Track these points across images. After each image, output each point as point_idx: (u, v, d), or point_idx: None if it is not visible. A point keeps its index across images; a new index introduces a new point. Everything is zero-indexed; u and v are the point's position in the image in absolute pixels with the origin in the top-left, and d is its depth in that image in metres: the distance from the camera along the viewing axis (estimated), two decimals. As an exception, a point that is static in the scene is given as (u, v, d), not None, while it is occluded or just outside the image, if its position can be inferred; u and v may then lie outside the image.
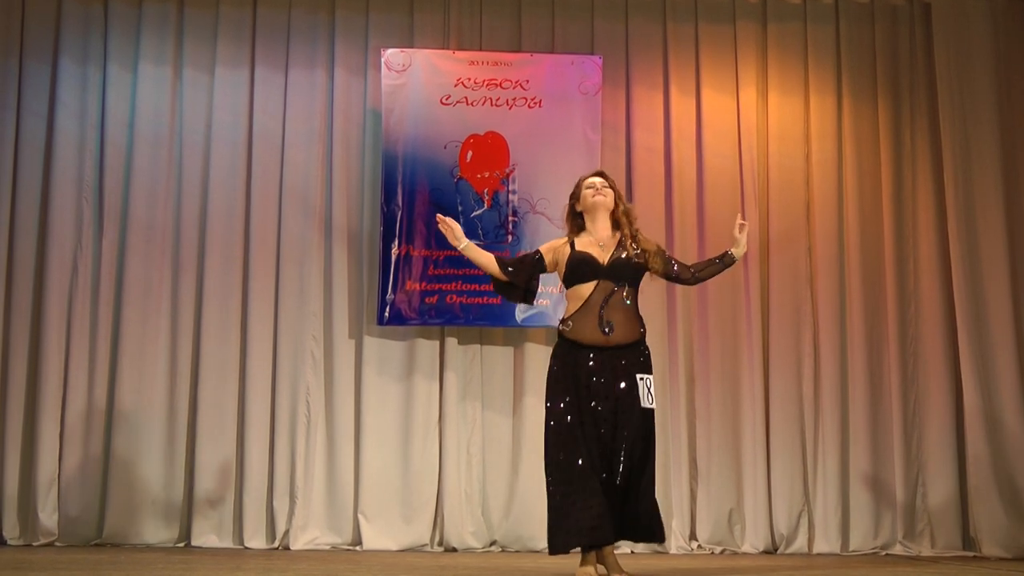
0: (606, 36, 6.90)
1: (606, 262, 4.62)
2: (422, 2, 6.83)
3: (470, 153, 6.60)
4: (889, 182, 6.86)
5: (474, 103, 6.62)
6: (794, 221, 6.84)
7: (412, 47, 6.71)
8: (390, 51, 6.63)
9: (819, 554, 6.46)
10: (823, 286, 6.76)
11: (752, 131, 6.87)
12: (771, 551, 6.52)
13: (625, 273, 4.63)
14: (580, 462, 4.51)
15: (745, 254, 6.61)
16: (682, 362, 6.64)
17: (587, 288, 4.61)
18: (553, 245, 4.81)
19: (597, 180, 4.78)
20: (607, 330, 4.55)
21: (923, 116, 6.93)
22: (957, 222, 6.74)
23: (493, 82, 6.65)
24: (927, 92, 6.94)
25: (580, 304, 4.61)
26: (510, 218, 6.58)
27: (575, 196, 4.82)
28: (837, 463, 6.61)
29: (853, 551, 6.49)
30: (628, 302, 4.62)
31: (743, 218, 5.01)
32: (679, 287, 6.67)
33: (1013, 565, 5.98)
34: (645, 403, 4.55)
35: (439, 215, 4.94)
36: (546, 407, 4.71)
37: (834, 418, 6.64)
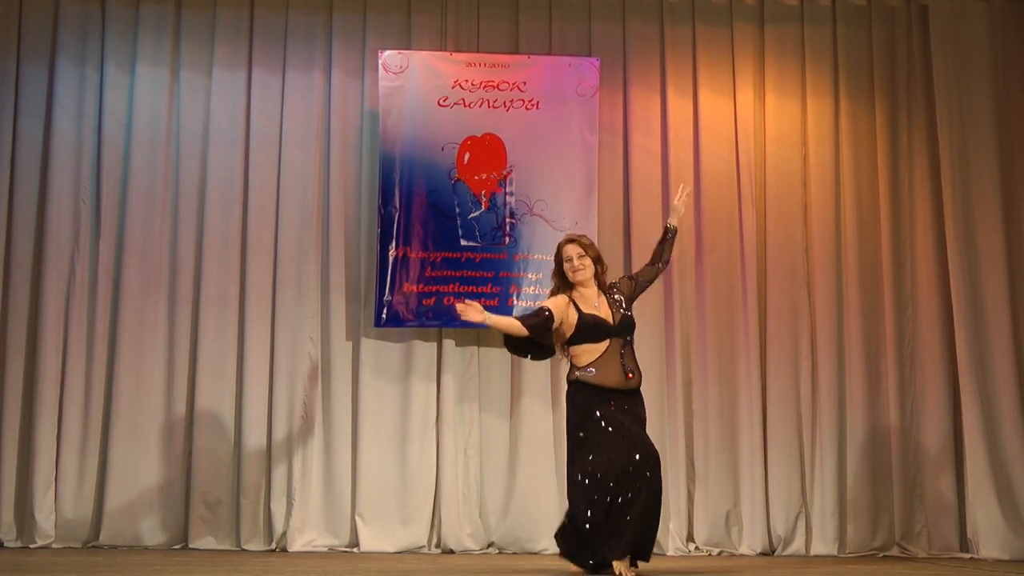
0: (603, 38, 6.90)
1: (615, 323, 5.05)
2: (419, 4, 6.83)
3: (467, 155, 6.60)
4: (886, 184, 6.87)
5: (471, 105, 6.62)
6: (791, 223, 6.84)
7: (409, 49, 6.71)
8: (387, 53, 6.63)
9: (816, 556, 6.46)
10: (820, 288, 6.76)
11: (749, 133, 6.87)
12: (768, 553, 6.52)
13: (629, 328, 5.10)
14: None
15: (743, 256, 6.71)
16: (679, 364, 6.64)
17: (601, 346, 5.02)
18: (558, 305, 5.06)
19: (574, 253, 5.11)
20: (631, 375, 5.01)
21: (920, 118, 6.93)
22: (955, 224, 6.75)
23: (490, 84, 6.65)
24: (924, 94, 6.94)
25: (598, 356, 5.00)
26: (507, 220, 6.58)
27: (558, 260, 5.16)
28: (834, 465, 6.61)
29: (850, 553, 6.49)
30: (633, 351, 5.11)
31: (685, 190, 5.41)
32: (676, 288, 6.68)
33: (1010, 567, 5.99)
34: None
35: (459, 305, 4.95)
36: (578, 447, 4.99)
37: (831, 420, 6.64)
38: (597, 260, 5.14)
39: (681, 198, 5.33)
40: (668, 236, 5.26)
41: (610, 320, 5.05)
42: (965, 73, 6.90)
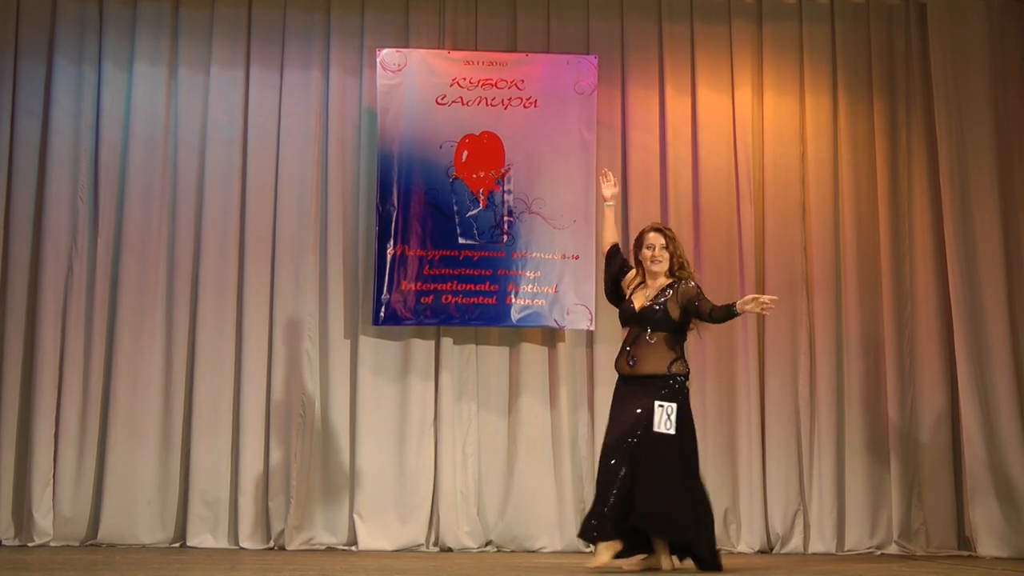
0: (602, 36, 6.90)
1: (639, 309, 5.13)
2: (417, 2, 6.82)
3: (465, 153, 6.60)
4: (885, 181, 6.87)
5: (469, 103, 6.62)
6: (790, 220, 6.84)
7: (407, 47, 6.70)
8: (385, 51, 6.62)
9: (814, 554, 6.47)
10: (819, 285, 6.76)
11: (748, 130, 6.87)
12: (767, 551, 6.52)
13: (650, 318, 5.10)
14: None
15: (741, 253, 6.72)
16: (678, 362, 6.64)
17: (626, 332, 5.19)
18: (628, 279, 5.31)
19: (656, 242, 5.17)
20: (631, 363, 5.10)
21: (919, 115, 6.93)
22: (953, 221, 6.74)
23: (488, 82, 6.64)
24: (923, 91, 6.94)
25: (623, 340, 5.20)
26: (505, 218, 6.57)
27: (638, 246, 5.23)
28: (833, 462, 6.61)
29: (849, 551, 6.49)
30: (652, 341, 5.09)
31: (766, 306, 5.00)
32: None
33: (1008, 564, 5.99)
34: (658, 428, 4.97)
35: (606, 169, 5.43)
36: None
37: (830, 417, 6.64)
38: (675, 254, 5.16)
39: (756, 305, 4.97)
40: (726, 311, 5.01)
41: (636, 307, 5.13)
42: (963, 71, 6.89)
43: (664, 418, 4.99)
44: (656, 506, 4.89)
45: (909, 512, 6.58)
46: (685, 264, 5.19)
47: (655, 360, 5.07)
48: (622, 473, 4.93)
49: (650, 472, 4.92)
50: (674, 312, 5.08)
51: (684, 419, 5.05)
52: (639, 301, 5.15)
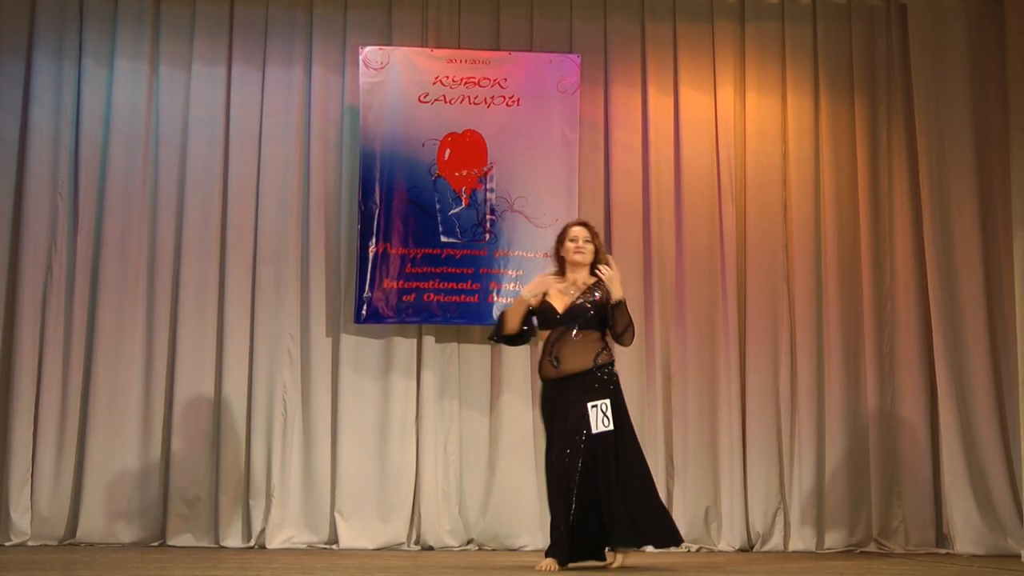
0: (584, 35, 6.91)
1: (562, 310, 5.07)
2: (400, 0, 6.81)
3: (448, 151, 6.59)
4: (866, 180, 6.90)
5: (452, 101, 6.62)
6: (771, 219, 6.86)
7: (390, 45, 6.69)
8: (368, 48, 6.61)
9: (795, 552, 6.49)
10: (800, 284, 6.79)
11: (730, 129, 6.89)
12: (747, 549, 6.54)
13: (578, 316, 5.04)
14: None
15: (722, 252, 6.74)
16: (659, 360, 6.65)
17: (548, 332, 5.11)
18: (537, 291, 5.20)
19: (581, 234, 5.12)
20: (555, 363, 5.03)
21: (899, 115, 6.97)
22: (932, 220, 6.79)
23: (471, 80, 6.64)
24: (903, 91, 6.98)
25: (542, 345, 5.13)
26: (488, 216, 6.57)
27: (560, 241, 5.20)
28: (813, 461, 6.64)
29: (828, 549, 6.53)
30: (577, 339, 5.03)
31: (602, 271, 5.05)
32: (656, 284, 6.71)
33: (985, 562, 6.03)
34: (597, 429, 4.92)
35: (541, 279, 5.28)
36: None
37: (810, 416, 6.67)
38: (599, 251, 5.14)
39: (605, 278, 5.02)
40: (617, 302, 5.01)
41: (559, 308, 5.06)
42: (943, 71, 6.93)
43: (600, 417, 4.92)
44: (627, 525, 4.85)
45: (888, 510, 6.62)
46: (609, 261, 5.11)
47: (580, 356, 4.99)
48: (574, 492, 4.87)
49: (608, 486, 4.86)
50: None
51: (618, 411, 4.97)
52: (561, 301, 5.07)
